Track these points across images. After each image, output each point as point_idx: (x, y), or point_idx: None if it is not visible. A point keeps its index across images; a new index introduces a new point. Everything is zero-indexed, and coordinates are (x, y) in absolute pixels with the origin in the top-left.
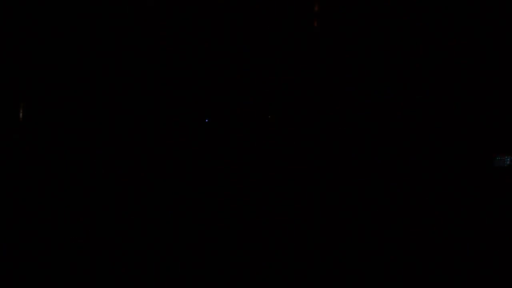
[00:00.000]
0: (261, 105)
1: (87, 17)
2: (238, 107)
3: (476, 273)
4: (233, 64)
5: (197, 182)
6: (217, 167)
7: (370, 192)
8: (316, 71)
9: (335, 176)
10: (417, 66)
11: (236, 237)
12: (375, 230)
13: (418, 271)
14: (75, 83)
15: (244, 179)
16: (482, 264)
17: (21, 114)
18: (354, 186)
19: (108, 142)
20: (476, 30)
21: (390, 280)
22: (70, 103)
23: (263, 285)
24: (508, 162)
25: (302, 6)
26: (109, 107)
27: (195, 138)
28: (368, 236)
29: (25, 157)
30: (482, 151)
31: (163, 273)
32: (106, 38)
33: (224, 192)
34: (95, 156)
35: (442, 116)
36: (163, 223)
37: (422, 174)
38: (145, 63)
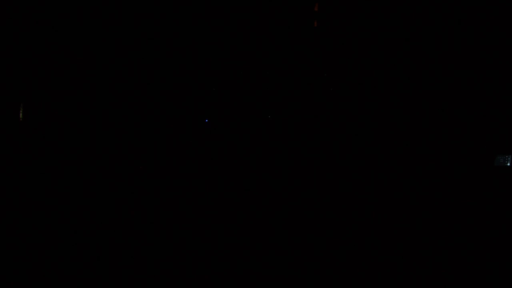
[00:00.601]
0: (261, 105)
1: (85, 17)
2: (237, 107)
3: (476, 272)
4: (233, 65)
5: (197, 182)
6: (216, 168)
7: (371, 192)
8: (315, 72)
9: (335, 177)
10: (418, 66)
11: (236, 237)
12: (376, 230)
13: (419, 271)
14: (75, 84)
15: (243, 180)
16: (483, 263)
17: (21, 114)
18: (354, 186)
19: (107, 142)
20: (476, 30)
21: (391, 280)
22: (70, 103)
23: (263, 285)
24: (509, 161)
25: (302, 6)
26: (108, 107)
27: (194, 138)
28: (369, 236)
29: (25, 157)
30: (483, 150)
31: (161, 272)
32: (105, 38)
33: (224, 192)
34: (94, 156)
35: (442, 116)
36: (162, 223)
37: (422, 173)
38: (145, 63)
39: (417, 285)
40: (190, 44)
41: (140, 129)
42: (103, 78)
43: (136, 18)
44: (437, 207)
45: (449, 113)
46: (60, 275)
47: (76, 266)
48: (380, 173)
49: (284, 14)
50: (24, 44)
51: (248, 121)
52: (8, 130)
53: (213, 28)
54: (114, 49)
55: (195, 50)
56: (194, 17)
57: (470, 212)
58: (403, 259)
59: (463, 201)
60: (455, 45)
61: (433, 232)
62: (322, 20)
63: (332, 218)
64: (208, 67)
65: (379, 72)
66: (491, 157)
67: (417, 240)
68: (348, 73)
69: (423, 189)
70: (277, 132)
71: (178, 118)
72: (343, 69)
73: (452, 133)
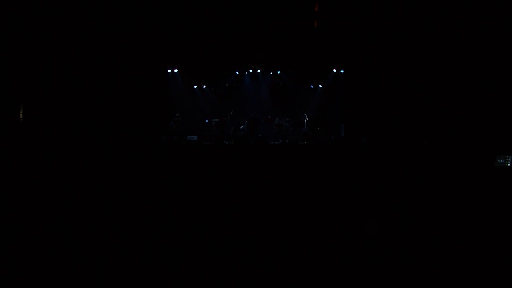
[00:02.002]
0: (260, 106)
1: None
2: (237, 108)
3: (476, 272)
4: (231, 64)
5: (198, 183)
6: (217, 168)
7: (372, 192)
8: (315, 71)
9: (334, 176)
10: (418, 67)
11: (236, 238)
12: (379, 228)
13: (419, 270)
14: (76, 84)
15: (244, 180)
16: (483, 261)
17: (21, 114)
18: (355, 186)
19: (107, 142)
20: (476, 31)
21: (392, 280)
22: (71, 104)
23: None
24: (509, 162)
25: (302, 6)
26: (107, 108)
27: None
28: (371, 235)
29: (25, 156)
30: (484, 151)
31: (158, 272)
32: (105, 38)
33: (224, 194)
34: (94, 156)
35: (444, 116)
36: (162, 223)
37: (424, 173)
38: (145, 64)
39: (418, 283)
40: (189, 45)
41: (140, 129)
42: (104, 78)
43: (134, 19)
44: (439, 205)
45: (451, 113)
46: (57, 272)
47: (73, 264)
48: (382, 173)
49: (284, 14)
50: (24, 45)
51: (246, 120)
52: (8, 130)
53: (212, 27)
54: (114, 50)
55: (195, 50)
56: (193, 17)
57: (471, 211)
58: (404, 259)
59: (464, 200)
60: (455, 46)
61: (434, 230)
62: (322, 20)
63: (333, 218)
64: (206, 67)
65: (379, 73)
66: (492, 158)
67: (419, 238)
68: (348, 73)
69: (425, 188)
70: (277, 131)
71: (179, 119)
72: (343, 68)
73: (454, 133)
